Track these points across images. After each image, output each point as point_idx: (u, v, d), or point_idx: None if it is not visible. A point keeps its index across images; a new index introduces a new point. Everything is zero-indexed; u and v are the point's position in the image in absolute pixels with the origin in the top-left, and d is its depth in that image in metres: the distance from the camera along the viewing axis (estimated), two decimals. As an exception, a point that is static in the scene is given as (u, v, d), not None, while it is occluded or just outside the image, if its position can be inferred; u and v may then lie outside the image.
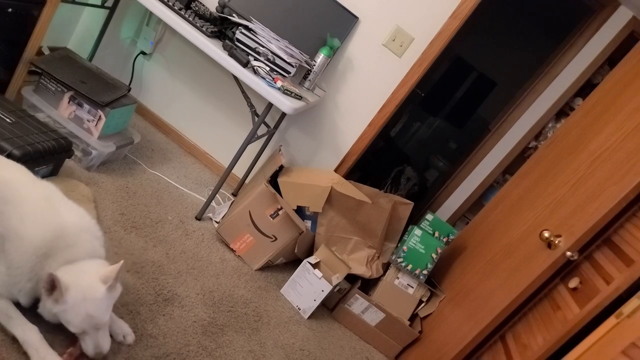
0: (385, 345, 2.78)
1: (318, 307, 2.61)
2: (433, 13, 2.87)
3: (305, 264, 2.62)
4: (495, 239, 2.77)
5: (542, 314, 2.23)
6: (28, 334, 1.48)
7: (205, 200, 2.81)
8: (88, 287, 1.50)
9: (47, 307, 1.48)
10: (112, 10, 3.19)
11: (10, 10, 2.27)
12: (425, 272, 2.81)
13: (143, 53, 3.30)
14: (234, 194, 3.27)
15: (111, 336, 1.63)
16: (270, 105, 2.52)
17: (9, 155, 1.90)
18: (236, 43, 2.56)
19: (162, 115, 3.41)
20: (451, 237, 2.99)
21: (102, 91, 2.51)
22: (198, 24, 2.49)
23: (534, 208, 2.62)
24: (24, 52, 2.51)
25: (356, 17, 2.91)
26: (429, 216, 2.98)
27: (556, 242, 2.19)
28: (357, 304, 2.74)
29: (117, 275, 1.55)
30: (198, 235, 2.62)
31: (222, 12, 2.66)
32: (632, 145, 2.17)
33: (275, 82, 2.46)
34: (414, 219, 3.34)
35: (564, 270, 2.26)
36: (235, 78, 2.65)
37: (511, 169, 4.00)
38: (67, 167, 2.42)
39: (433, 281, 3.00)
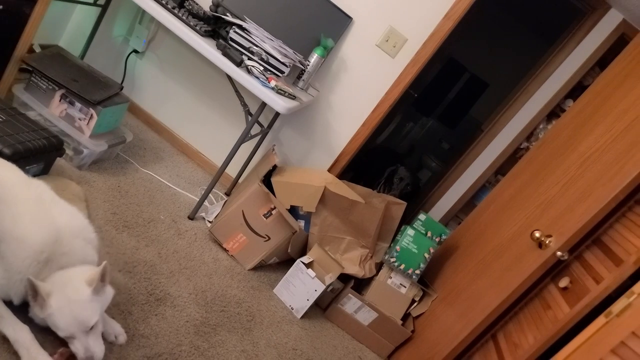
0: (377, 345, 2.79)
1: (311, 307, 2.61)
2: (426, 14, 2.88)
3: (298, 264, 2.62)
4: (487, 239, 2.78)
5: (533, 313, 2.25)
6: (19, 333, 1.47)
7: (198, 199, 2.80)
8: (72, 290, 1.50)
9: (36, 313, 1.49)
10: (104, 8, 3.18)
11: (1, 7, 2.26)
12: (417, 271, 2.82)
13: (135, 51, 3.29)
14: (227, 194, 3.27)
15: (103, 337, 1.61)
16: (263, 105, 2.52)
17: None
18: (230, 42, 2.56)
19: (154, 114, 3.40)
20: (443, 237, 3.00)
21: (94, 89, 2.50)
22: (191, 23, 2.48)
23: (525, 208, 2.64)
24: (15, 49, 2.49)
25: (350, 18, 2.92)
26: (422, 216, 3.00)
27: (547, 242, 2.20)
28: (350, 303, 2.74)
29: (102, 277, 1.55)
30: (191, 235, 2.61)
31: (216, 11, 2.66)
32: (621, 147, 2.19)
33: (269, 82, 2.46)
34: (407, 219, 3.35)
35: (555, 270, 2.27)
36: (229, 77, 2.65)
37: (503, 169, 4.02)
38: (59, 166, 2.41)
39: (425, 281, 3.01)
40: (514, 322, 2.35)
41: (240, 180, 3.29)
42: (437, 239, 2.98)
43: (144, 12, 3.17)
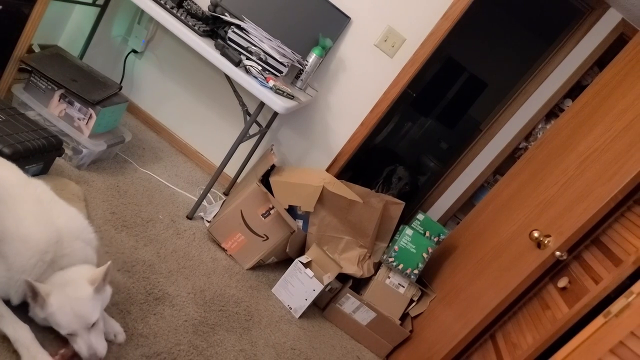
0: (376, 345, 2.79)
1: (309, 307, 2.61)
2: (425, 14, 2.88)
3: (296, 264, 2.62)
4: (486, 239, 2.78)
5: (532, 313, 2.25)
6: (19, 332, 1.48)
7: (196, 199, 2.80)
8: (73, 289, 1.51)
9: (36, 313, 1.50)
10: (103, 8, 3.18)
11: (0, 7, 2.26)
12: (416, 271, 2.82)
13: (134, 51, 3.29)
14: (226, 193, 3.27)
15: (102, 335, 1.62)
16: (262, 105, 2.52)
17: (-1, 153, 1.89)
18: (228, 42, 2.56)
19: (153, 114, 3.40)
20: (442, 236, 3.00)
21: (93, 89, 2.50)
22: (190, 23, 2.48)
23: (523, 208, 2.64)
24: (15, 49, 2.49)
25: (348, 18, 2.92)
26: (420, 216, 3.00)
27: (545, 242, 2.20)
28: (349, 303, 2.74)
29: (104, 277, 1.56)
30: (189, 235, 2.61)
31: (215, 11, 2.66)
32: (620, 146, 2.19)
33: (267, 82, 2.46)
34: (405, 218, 3.35)
35: (553, 270, 2.27)
36: (227, 77, 2.65)
37: (501, 169, 4.03)
38: (58, 166, 2.41)
39: (424, 281, 3.01)
40: (512, 322, 2.35)
41: (238, 180, 3.29)
42: (435, 239, 2.98)
43: (142, 12, 3.17)
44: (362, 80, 3.05)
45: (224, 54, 2.43)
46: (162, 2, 2.47)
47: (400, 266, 2.82)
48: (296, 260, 2.63)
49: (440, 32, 2.87)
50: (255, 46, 2.58)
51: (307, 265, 2.63)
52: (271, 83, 2.45)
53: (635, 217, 2.02)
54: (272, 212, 2.67)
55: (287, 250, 2.74)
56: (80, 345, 1.51)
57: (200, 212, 2.83)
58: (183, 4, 2.62)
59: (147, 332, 1.87)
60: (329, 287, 2.74)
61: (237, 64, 2.43)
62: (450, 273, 2.90)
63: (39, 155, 2.12)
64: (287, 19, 2.85)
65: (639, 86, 2.37)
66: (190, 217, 2.73)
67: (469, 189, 4.21)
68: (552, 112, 3.90)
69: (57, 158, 2.35)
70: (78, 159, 2.48)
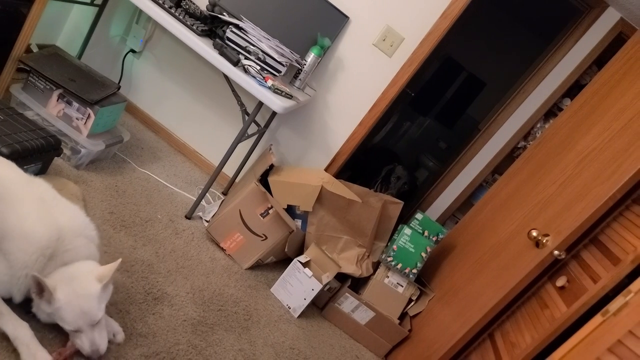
0: (375, 344, 2.79)
1: (308, 306, 2.62)
2: (423, 13, 2.88)
3: (295, 263, 2.62)
4: (484, 238, 2.79)
5: (530, 312, 2.25)
6: (19, 330, 1.48)
7: (195, 199, 2.80)
8: (80, 285, 1.52)
9: (42, 308, 1.50)
10: (101, 7, 3.18)
11: (-2, 7, 2.26)
12: (414, 271, 2.83)
13: (133, 51, 3.28)
14: (224, 193, 3.27)
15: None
16: (260, 104, 2.52)
17: (-3, 153, 1.89)
18: (227, 42, 2.56)
19: (151, 113, 3.40)
20: (440, 236, 3.00)
21: (91, 89, 2.50)
22: (188, 23, 2.48)
23: (522, 207, 2.64)
24: (13, 49, 2.49)
25: (347, 17, 2.92)
26: (419, 215, 3.00)
27: (544, 241, 2.21)
28: (347, 302, 2.74)
29: (113, 274, 1.57)
30: (188, 234, 2.61)
31: (213, 11, 2.65)
32: (618, 146, 2.19)
33: (265, 81, 2.46)
34: (404, 218, 3.36)
35: (552, 269, 2.28)
36: (226, 77, 2.65)
37: (500, 168, 4.03)
38: (56, 166, 2.41)
39: (422, 280, 3.01)
40: (511, 321, 2.35)
41: (237, 180, 3.29)
42: (434, 238, 2.98)
43: (141, 11, 3.17)
44: (360, 79, 3.06)
45: (222, 54, 2.43)
46: (161, 1, 2.47)
47: (399, 265, 2.82)
48: (295, 260, 2.63)
49: (439, 31, 2.87)
50: (253, 46, 2.57)
51: (305, 264, 2.63)
52: (270, 83, 2.45)
53: (633, 216, 2.03)
54: (270, 211, 2.67)
55: (286, 249, 2.74)
56: (83, 341, 1.52)
57: (199, 212, 2.83)
58: (181, 4, 2.62)
59: (146, 332, 1.87)
60: (327, 287, 2.74)
61: (236, 63, 2.43)
62: (448, 272, 2.90)
63: (37, 155, 2.12)
64: (286, 18, 2.85)
65: (638, 85, 2.38)
66: (188, 217, 2.73)
67: (468, 189, 4.21)
68: (551, 111, 3.90)
69: (56, 158, 2.35)
70: (76, 159, 2.48)
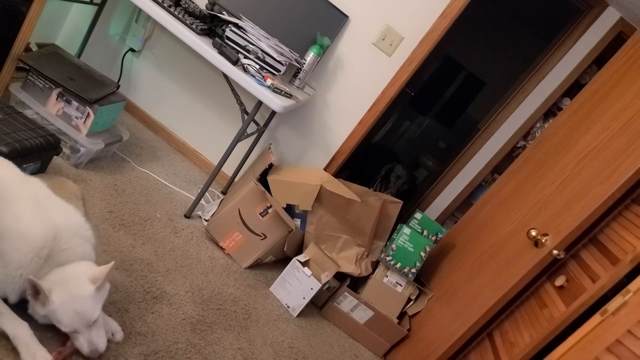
0: (373, 343, 2.79)
1: (307, 305, 2.62)
2: (423, 12, 2.88)
3: (294, 262, 2.62)
4: (484, 238, 2.79)
5: (529, 311, 2.25)
6: (18, 329, 1.48)
7: (194, 198, 2.80)
8: (75, 286, 1.52)
9: (37, 310, 1.50)
10: (100, 6, 3.18)
11: (-3, 6, 2.26)
12: (414, 270, 2.83)
13: (132, 50, 3.28)
14: (224, 192, 3.27)
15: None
16: (260, 104, 2.52)
17: (-4, 152, 1.89)
18: (226, 41, 2.56)
19: (151, 112, 3.40)
20: (440, 235, 3.00)
21: (90, 88, 2.50)
22: (188, 22, 2.48)
23: (521, 207, 2.64)
24: (12, 48, 2.49)
25: (346, 16, 2.92)
26: (418, 215, 3.00)
27: (543, 240, 2.21)
28: (346, 302, 2.74)
29: (106, 276, 1.57)
30: (187, 233, 2.61)
31: (212, 10, 2.65)
32: (618, 145, 2.19)
33: (265, 80, 2.46)
34: (403, 217, 3.36)
35: (551, 268, 2.28)
36: (225, 76, 2.65)
37: (500, 168, 4.03)
38: (55, 164, 2.41)
39: (422, 279, 3.01)
40: (510, 320, 2.35)
41: (236, 179, 3.29)
42: (433, 238, 2.98)
43: (140, 10, 3.16)
44: (360, 79, 3.05)
45: (221, 53, 2.43)
46: (160, 0, 2.47)
47: (398, 265, 2.82)
48: (294, 259, 2.63)
49: (439, 30, 2.87)
50: (253, 45, 2.57)
51: (305, 264, 2.63)
52: (269, 82, 2.45)
53: (632, 215, 2.03)
54: (270, 210, 2.67)
55: (285, 249, 2.74)
56: (81, 342, 1.52)
57: (198, 211, 2.83)
58: (181, 3, 2.62)
59: (145, 331, 1.87)
60: (326, 286, 2.74)
61: (235, 62, 2.43)
62: (448, 272, 2.91)
63: (36, 153, 2.12)
64: (285, 17, 2.84)
65: (637, 84, 2.38)
66: (188, 216, 2.73)
67: (467, 188, 4.21)
68: (550, 110, 3.90)
69: (55, 157, 2.35)
70: (76, 158, 2.48)
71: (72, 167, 2.49)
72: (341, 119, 3.14)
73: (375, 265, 2.93)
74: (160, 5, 2.46)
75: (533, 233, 2.28)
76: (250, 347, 2.18)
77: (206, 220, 2.78)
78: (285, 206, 2.71)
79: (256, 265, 2.76)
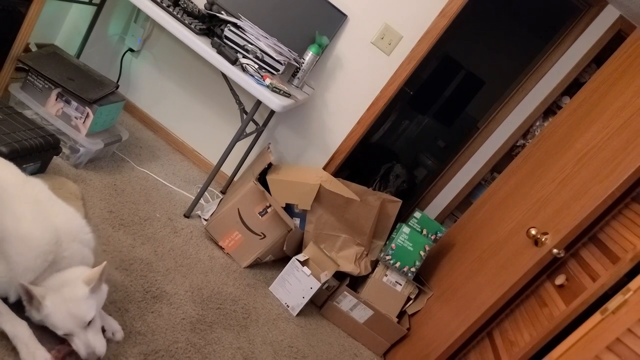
0: (373, 342, 2.79)
1: (306, 305, 2.62)
2: (421, 11, 2.88)
3: (293, 262, 2.62)
4: (483, 237, 2.79)
5: (529, 310, 2.25)
6: (18, 328, 1.48)
7: (193, 197, 2.80)
8: (68, 290, 1.51)
9: (33, 315, 1.51)
10: (99, 7, 3.17)
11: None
12: (413, 269, 2.83)
13: (131, 50, 3.28)
14: (223, 192, 3.27)
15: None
16: (258, 103, 2.52)
17: (-4, 152, 1.89)
18: (225, 40, 2.56)
19: (150, 112, 3.40)
20: (439, 234, 3.00)
21: (90, 88, 2.50)
22: (186, 21, 2.48)
23: (521, 206, 2.64)
24: (11, 48, 2.49)
25: (345, 15, 2.91)
26: (417, 214, 3.00)
27: (543, 239, 2.21)
28: (346, 301, 2.74)
29: (100, 277, 1.56)
30: (186, 233, 2.61)
31: (211, 10, 2.65)
32: (617, 144, 2.19)
33: (263, 80, 2.46)
34: (403, 216, 3.35)
35: (551, 267, 2.28)
36: (224, 75, 2.64)
37: (499, 167, 4.02)
38: (55, 164, 2.41)
39: (421, 278, 3.01)
40: (509, 319, 2.35)
41: (235, 179, 3.29)
42: (432, 237, 2.98)
43: (139, 10, 3.16)
44: (359, 78, 3.05)
45: (220, 52, 2.43)
46: (159, 0, 2.47)
47: (398, 264, 2.82)
48: (293, 258, 2.63)
49: (437, 29, 2.87)
50: (251, 44, 2.57)
51: (304, 263, 2.63)
52: (268, 81, 2.45)
53: (632, 214, 2.03)
54: (269, 210, 2.67)
55: (285, 248, 2.74)
56: (78, 345, 1.52)
57: (198, 211, 2.83)
58: (179, 3, 2.61)
59: (145, 330, 1.87)
60: (326, 285, 2.74)
61: (234, 62, 2.43)
62: (447, 271, 2.91)
63: (36, 154, 2.12)
64: (284, 17, 2.84)
65: (637, 83, 2.38)
66: (187, 216, 2.73)
67: (467, 187, 4.21)
68: (550, 109, 3.90)
69: (55, 157, 2.35)
70: (75, 158, 2.48)
71: (71, 167, 2.49)
72: (340, 118, 3.14)
73: (374, 264, 2.93)
74: (159, 5, 2.46)
75: (533, 232, 2.28)
76: (250, 346, 2.18)
77: (205, 220, 2.78)
78: (284, 205, 2.71)
79: (255, 265, 2.76)
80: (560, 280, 2.16)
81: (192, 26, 2.48)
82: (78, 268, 1.60)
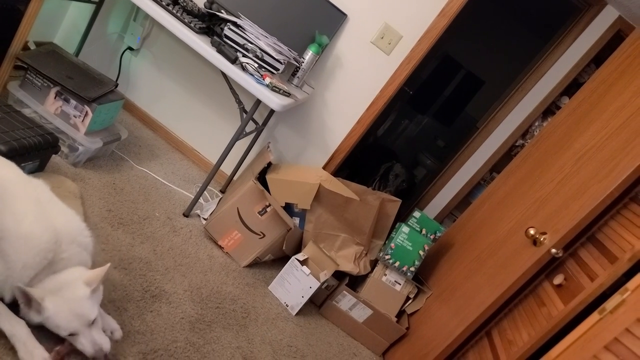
0: (372, 342, 2.79)
1: (306, 304, 2.62)
2: (421, 11, 2.88)
3: (293, 261, 2.62)
4: (482, 236, 2.79)
5: (528, 310, 2.26)
6: (16, 327, 1.47)
7: (193, 197, 2.80)
8: (69, 290, 1.51)
9: (31, 317, 1.49)
10: (98, 5, 3.17)
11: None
12: (412, 269, 2.83)
13: (130, 48, 3.28)
14: (222, 191, 3.27)
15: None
16: (258, 102, 2.52)
17: (-5, 151, 1.88)
18: (224, 39, 2.56)
19: (149, 111, 3.40)
20: (438, 234, 3.00)
21: (89, 87, 2.49)
22: (186, 20, 2.48)
23: (520, 206, 2.64)
24: (10, 47, 2.48)
25: (345, 15, 2.91)
26: (417, 213, 3.00)
27: (541, 239, 2.21)
28: (345, 300, 2.75)
29: (101, 279, 1.56)
30: (186, 232, 2.61)
31: (211, 8, 2.65)
32: (616, 144, 2.19)
33: (263, 79, 2.46)
34: (402, 216, 3.36)
35: (549, 267, 2.28)
36: (224, 74, 2.64)
37: (498, 167, 4.03)
38: (54, 163, 2.40)
39: (420, 278, 3.02)
40: (508, 319, 2.35)
41: (235, 178, 3.29)
42: (431, 237, 2.98)
43: (138, 9, 3.16)
44: (358, 77, 3.05)
45: (220, 51, 2.43)
46: (158, -1, 2.47)
47: (397, 264, 2.82)
48: (293, 258, 2.63)
49: (437, 29, 2.87)
50: (251, 43, 2.57)
51: (303, 262, 2.63)
52: (267, 80, 2.44)
53: (631, 214, 2.03)
54: (268, 209, 2.67)
55: (284, 247, 2.74)
56: (83, 343, 1.51)
57: (197, 210, 2.83)
58: (179, 1, 2.61)
59: (144, 329, 1.87)
60: (325, 285, 2.74)
61: (234, 61, 2.42)
62: (446, 270, 2.91)
63: (35, 152, 2.12)
64: (284, 16, 2.84)
65: (636, 83, 2.38)
66: (186, 215, 2.73)
67: (466, 187, 4.21)
68: (549, 109, 3.90)
69: (53, 155, 2.34)
70: (74, 157, 2.48)
71: (70, 166, 2.49)
72: (340, 117, 3.14)
73: (374, 264, 2.93)
74: (159, 3, 2.45)
75: (531, 232, 2.28)
76: (249, 345, 2.18)
77: (205, 219, 2.78)
78: (284, 205, 2.71)
79: (255, 264, 2.76)
80: (558, 280, 2.16)
81: (192, 25, 2.47)
82: (76, 269, 1.59)
